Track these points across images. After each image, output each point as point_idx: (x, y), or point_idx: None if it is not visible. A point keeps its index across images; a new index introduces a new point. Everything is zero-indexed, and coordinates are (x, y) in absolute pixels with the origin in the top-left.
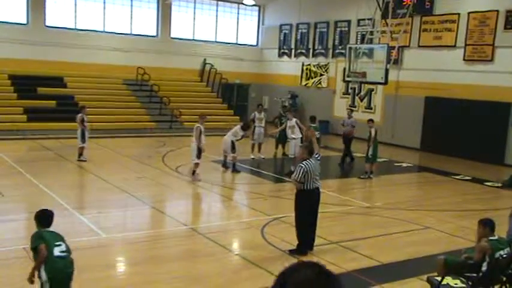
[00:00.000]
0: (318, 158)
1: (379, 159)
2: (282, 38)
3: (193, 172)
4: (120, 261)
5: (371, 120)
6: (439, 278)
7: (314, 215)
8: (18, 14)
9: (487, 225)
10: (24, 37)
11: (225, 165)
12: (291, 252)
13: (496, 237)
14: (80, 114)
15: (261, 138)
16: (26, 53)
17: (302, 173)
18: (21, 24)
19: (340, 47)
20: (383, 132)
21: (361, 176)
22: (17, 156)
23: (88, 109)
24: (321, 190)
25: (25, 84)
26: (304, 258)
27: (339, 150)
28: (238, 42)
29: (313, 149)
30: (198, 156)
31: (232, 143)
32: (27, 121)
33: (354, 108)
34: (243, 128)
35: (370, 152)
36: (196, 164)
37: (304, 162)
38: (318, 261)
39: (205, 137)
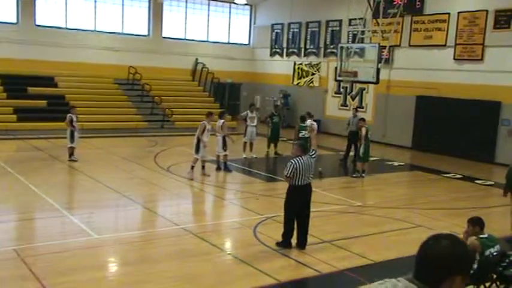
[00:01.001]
0: (313, 156)
1: (371, 158)
2: (273, 37)
3: (192, 167)
4: (112, 261)
5: (362, 120)
6: None
7: (306, 212)
8: (8, 13)
9: (477, 224)
10: (14, 36)
11: (219, 167)
12: (277, 244)
13: (485, 235)
14: (69, 115)
15: (254, 137)
16: (16, 52)
17: (291, 169)
18: (11, 23)
19: (331, 47)
20: (374, 131)
21: (353, 175)
22: (7, 156)
23: (79, 109)
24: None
25: (15, 84)
26: (293, 254)
27: (331, 149)
28: (230, 42)
29: (307, 147)
30: (197, 151)
31: (224, 139)
32: (17, 121)
33: (350, 108)
34: (220, 117)
35: (361, 151)
36: (196, 159)
37: (295, 159)
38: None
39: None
